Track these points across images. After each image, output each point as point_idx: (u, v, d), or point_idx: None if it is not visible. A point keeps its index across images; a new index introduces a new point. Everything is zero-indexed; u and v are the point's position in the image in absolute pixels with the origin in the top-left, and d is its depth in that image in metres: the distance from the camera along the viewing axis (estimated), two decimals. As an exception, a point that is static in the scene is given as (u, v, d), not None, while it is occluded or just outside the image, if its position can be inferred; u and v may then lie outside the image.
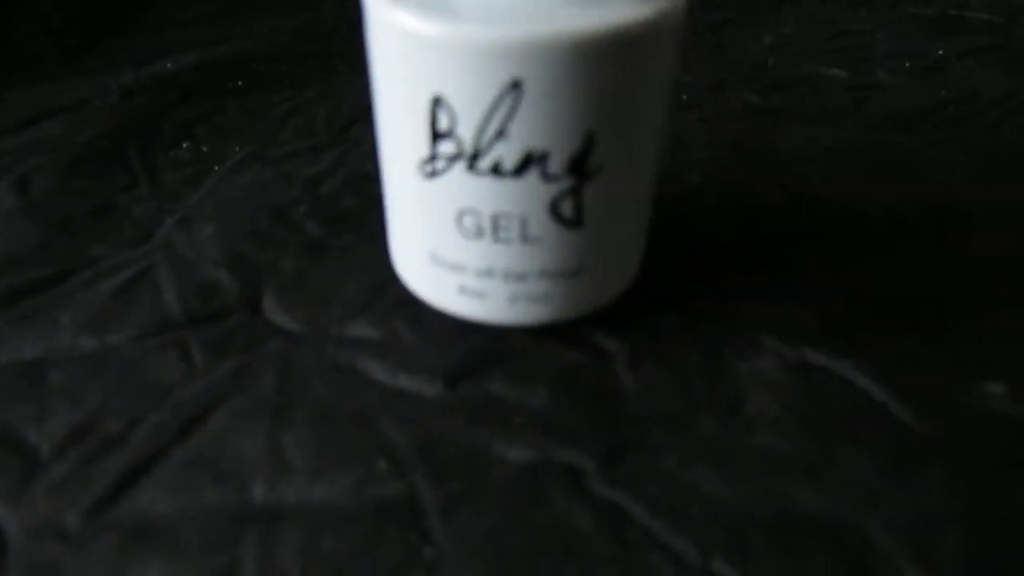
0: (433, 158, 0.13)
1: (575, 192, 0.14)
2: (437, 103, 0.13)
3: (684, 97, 0.27)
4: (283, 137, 0.24)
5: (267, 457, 0.14)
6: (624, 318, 0.17)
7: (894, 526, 0.13)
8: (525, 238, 0.14)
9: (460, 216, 0.14)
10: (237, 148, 0.23)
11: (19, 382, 0.15)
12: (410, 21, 0.12)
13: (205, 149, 0.23)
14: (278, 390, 0.15)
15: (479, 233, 0.14)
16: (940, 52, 0.32)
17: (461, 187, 0.14)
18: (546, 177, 0.13)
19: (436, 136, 0.13)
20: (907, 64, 0.30)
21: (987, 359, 0.16)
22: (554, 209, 0.14)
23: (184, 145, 0.23)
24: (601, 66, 0.12)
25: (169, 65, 0.28)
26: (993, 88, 0.28)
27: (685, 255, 0.18)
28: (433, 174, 0.14)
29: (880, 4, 0.36)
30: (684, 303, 0.17)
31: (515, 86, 0.12)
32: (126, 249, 0.19)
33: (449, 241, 0.14)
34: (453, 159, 0.13)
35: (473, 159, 0.13)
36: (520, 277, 0.15)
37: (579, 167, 0.13)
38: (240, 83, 0.27)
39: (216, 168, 0.22)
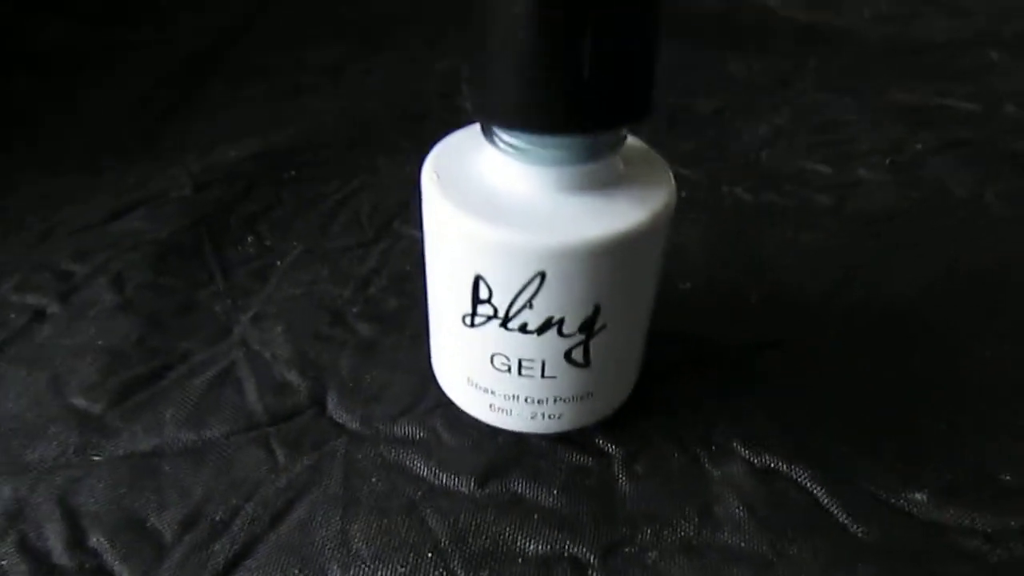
0: (473, 315, 0.17)
1: (584, 344, 0.17)
2: (479, 279, 0.17)
3: (683, 194, 0.31)
4: (334, 231, 0.28)
5: (339, 547, 0.17)
6: (621, 425, 0.20)
7: (825, 616, 0.17)
8: (544, 375, 0.18)
9: (492, 357, 0.18)
10: (295, 243, 0.27)
11: (140, 473, 0.19)
12: (460, 218, 0.16)
13: (268, 243, 0.27)
14: (344, 484, 0.19)
15: (507, 370, 0.18)
16: (918, 147, 0.35)
17: (494, 337, 0.17)
18: (562, 335, 0.17)
19: (477, 300, 0.17)
20: (886, 161, 0.34)
21: (907, 470, 0.20)
22: (568, 356, 0.17)
23: (249, 239, 0.27)
24: (606, 259, 0.16)
25: (232, 153, 0.32)
26: (961, 188, 0.32)
27: (672, 365, 0.22)
28: (472, 325, 0.18)
29: (867, 91, 0.40)
30: (670, 411, 0.21)
31: (541, 276, 0.16)
32: (210, 345, 0.23)
33: (483, 372, 0.18)
34: (489, 318, 0.17)
35: (505, 321, 0.17)
36: (539, 402, 0.18)
37: (588, 328, 0.17)
38: (294, 173, 0.31)
39: (278, 263, 0.26)
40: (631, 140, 0.18)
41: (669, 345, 0.23)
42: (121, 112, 0.36)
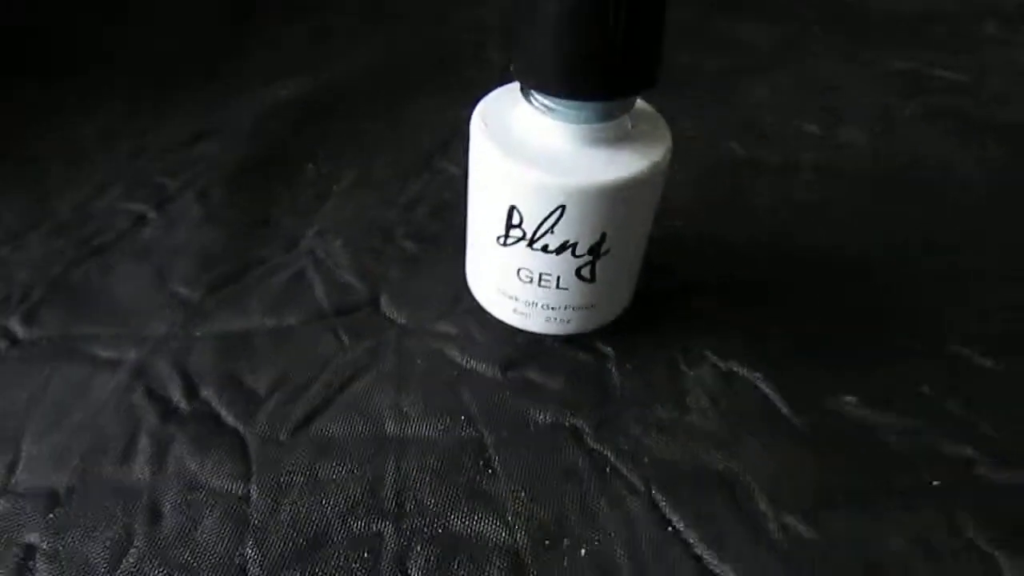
0: (506, 236, 0.22)
1: (592, 264, 0.22)
2: (513, 208, 0.21)
3: (684, 146, 0.35)
4: (379, 163, 0.32)
5: (393, 409, 0.23)
6: (617, 333, 0.25)
7: (767, 478, 0.22)
8: (558, 287, 0.23)
9: (519, 270, 0.23)
10: (347, 171, 0.32)
11: (234, 346, 0.24)
12: (501, 160, 0.21)
13: (323, 171, 0.32)
14: (396, 364, 0.24)
15: (530, 281, 0.23)
16: (905, 112, 0.39)
17: (521, 255, 0.22)
18: (575, 255, 0.22)
19: (509, 225, 0.22)
20: (872, 126, 0.38)
21: (844, 380, 0.25)
22: (578, 272, 0.22)
23: (309, 166, 0.32)
24: (612, 199, 0.21)
25: (283, 92, 0.36)
26: (935, 154, 0.36)
27: (662, 288, 0.27)
28: (504, 244, 0.22)
29: (866, 58, 0.44)
30: (657, 324, 0.26)
31: (562, 208, 0.21)
32: (284, 253, 0.28)
33: (510, 283, 0.23)
34: (518, 240, 0.22)
35: (531, 242, 0.22)
36: (553, 308, 0.23)
37: (595, 251, 0.22)
38: (342, 109, 0.35)
39: (334, 188, 0.31)
40: (640, 103, 0.22)
41: (661, 272, 0.27)
42: (182, 48, 0.40)
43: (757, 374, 0.25)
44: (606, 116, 0.20)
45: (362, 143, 0.33)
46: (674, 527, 0.21)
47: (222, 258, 0.27)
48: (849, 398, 0.24)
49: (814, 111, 0.38)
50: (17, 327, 0.25)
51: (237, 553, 0.19)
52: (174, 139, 0.33)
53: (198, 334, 0.25)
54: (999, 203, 0.33)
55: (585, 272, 0.22)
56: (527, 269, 0.22)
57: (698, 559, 0.20)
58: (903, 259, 0.30)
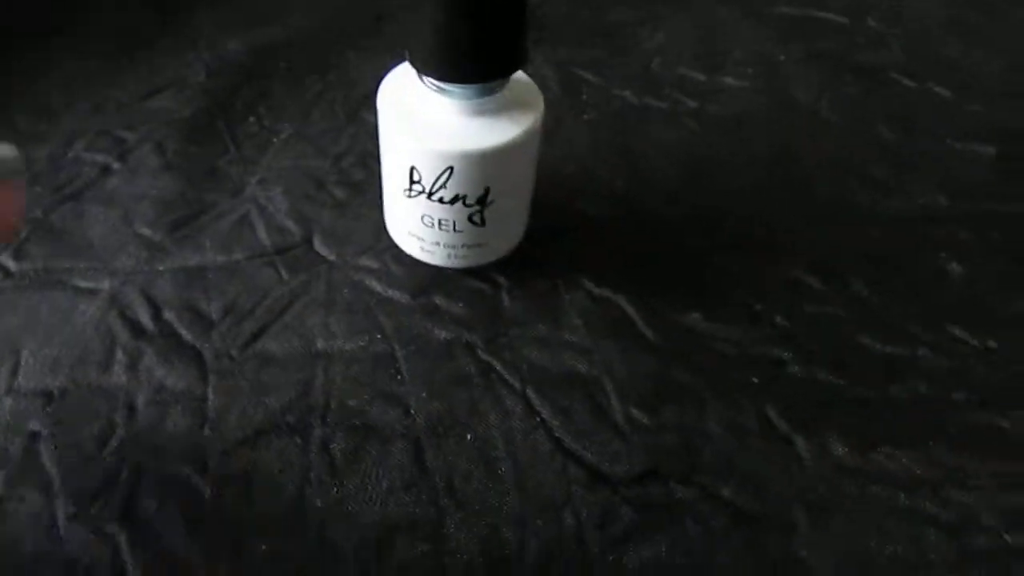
0: (410, 189, 0.27)
1: (480, 211, 0.27)
2: (413, 168, 0.26)
3: (584, 97, 0.40)
4: (315, 116, 0.37)
5: (322, 328, 0.28)
6: (510, 266, 0.31)
7: (620, 379, 0.28)
8: (455, 230, 0.28)
9: (422, 216, 0.28)
10: (286, 124, 0.36)
11: (192, 279, 0.29)
12: (401, 132, 0.26)
13: (265, 124, 0.36)
14: (326, 293, 0.29)
15: (431, 225, 0.28)
16: (781, 58, 0.44)
17: (423, 205, 0.27)
18: (465, 205, 0.27)
19: (411, 181, 0.27)
20: (749, 70, 0.43)
21: (693, 301, 0.31)
22: (470, 218, 0.28)
23: (251, 119, 0.36)
24: (493, 161, 0.26)
25: (230, 46, 0.40)
26: (804, 95, 0.41)
27: (550, 226, 0.32)
28: (409, 196, 0.27)
29: (758, 4, 0.48)
30: (543, 257, 0.31)
31: (450, 169, 0.26)
32: (230, 199, 0.32)
33: (416, 226, 0.28)
34: (419, 193, 0.27)
35: (429, 195, 0.27)
36: (452, 246, 0.29)
37: (482, 201, 0.27)
38: (282, 66, 0.40)
39: (274, 140, 0.35)
40: (519, 74, 0.27)
41: (550, 212, 0.33)
42: (133, 5, 0.43)
43: (621, 297, 0.30)
44: (484, 92, 0.25)
45: (300, 97, 0.38)
46: (542, 418, 0.27)
47: (179, 203, 0.32)
48: (695, 315, 0.30)
49: (702, 58, 0.43)
50: (9, 262, 0.29)
51: (198, 440, 0.25)
52: (131, 95, 0.37)
53: (160, 268, 0.30)
54: (850, 138, 0.38)
55: (476, 218, 0.28)
56: (429, 216, 0.28)
57: (558, 441, 0.26)
58: (763, 194, 0.35)
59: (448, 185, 0.26)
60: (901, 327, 0.31)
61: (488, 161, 0.26)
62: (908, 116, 0.40)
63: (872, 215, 0.35)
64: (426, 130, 0.25)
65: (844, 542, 0.25)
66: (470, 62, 0.24)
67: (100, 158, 0.34)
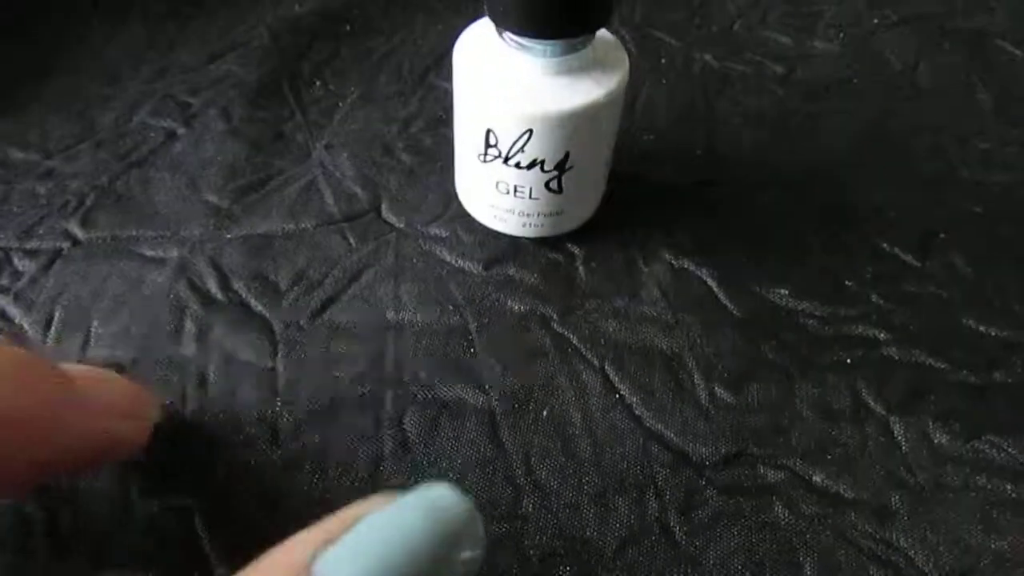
0: (485, 154, 0.26)
1: (558, 178, 0.26)
2: (489, 131, 0.25)
3: (663, 60, 0.38)
4: (381, 80, 0.36)
5: (392, 298, 0.27)
6: (585, 236, 0.29)
7: (703, 355, 0.26)
8: (531, 197, 0.27)
9: (497, 183, 0.27)
10: (352, 88, 0.35)
11: (259, 247, 0.29)
12: (478, 91, 0.24)
13: (331, 88, 0.35)
14: (395, 263, 0.28)
15: (507, 192, 0.27)
16: (875, 21, 0.42)
17: (498, 170, 0.26)
18: (543, 170, 0.26)
19: (487, 145, 0.26)
20: (840, 34, 0.40)
21: (779, 274, 0.29)
22: (547, 185, 0.26)
23: (317, 83, 0.35)
24: (573, 124, 0.24)
25: (297, 8, 0.39)
26: (899, 61, 0.38)
27: (628, 197, 0.31)
28: (484, 161, 0.26)
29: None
30: (620, 228, 0.30)
31: (529, 132, 0.24)
32: (297, 164, 0.32)
33: (490, 193, 0.27)
34: (495, 157, 0.26)
35: (505, 159, 0.26)
36: (527, 215, 0.27)
37: (560, 167, 0.26)
38: (348, 27, 0.38)
39: (339, 104, 0.34)
40: (604, 33, 0.26)
41: (629, 182, 0.31)
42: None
43: (704, 270, 0.29)
44: (567, 50, 0.24)
45: (367, 61, 0.37)
46: (620, 394, 0.25)
47: (245, 169, 0.31)
48: (782, 290, 0.29)
49: (787, 21, 0.41)
50: (77, 230, 0.29)
51: (269, 412, 0.24)
52: (195, 58, 0.36)
53: (228, 236, 0.29)
54: (949, 107, 0.36)
55: (553, 184, 0.26)
56: (504, 182, 0.26)
57: (638, 419, 0.25)
58: (855, 165, 0.33)
59: (526, 149, 0.25)
60: (1006, 307, 0.28)
61: (570, 123, 0.24)
62: (1010, 85, 0.37)
63: (974, 189, 0.32)
64: (505, 90, 0.24)
65: (946, 532, 0.23)
66: (554, 15, 0.22)
67: (165, 123, 0.33)
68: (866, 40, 0.40)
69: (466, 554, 0.14)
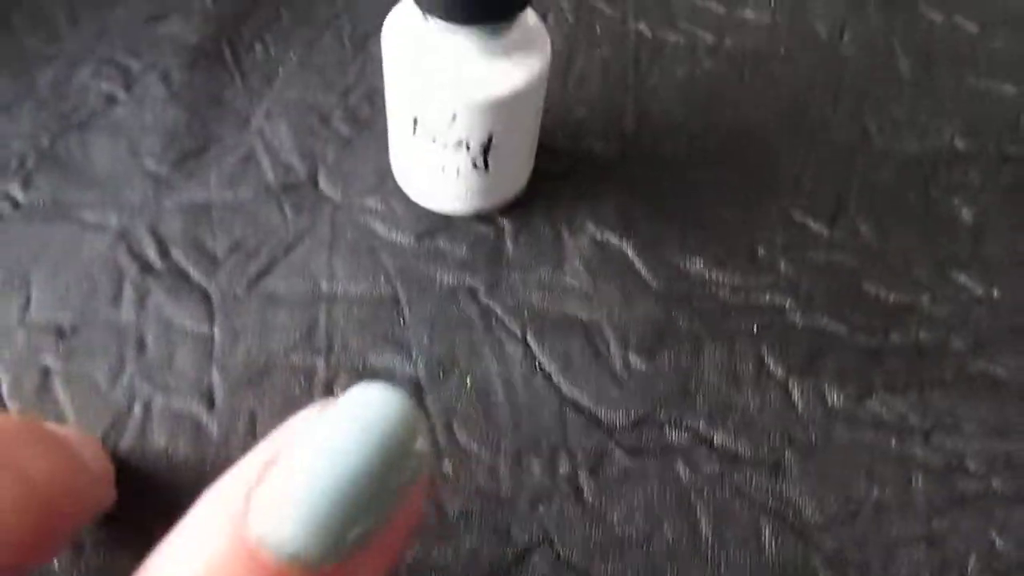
0: (413, 132, 0.27)
1: (484, 157, 0.27)
2: (415, 114, 0.26)
3: (598, 31, 0.39)
4: (321, 46, 0.36)
5: (326, 269, 0.29)
6: (515, 210, 0.31)
7: (619, 325, 0.28)
8: (459, 175, 0.28)
9: (426, 161, 0.28)
10: (292, 55, 0.36)
11: (197, 214, 0.29)
12: (404, 74, 0.25)
13: (271, 53, 0.36)
14: (330, 234, 0.30)
15: (436, 170, 0.28)
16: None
17: (427, 148, 0.27)
18: (469, 151, 0.27)
19: (415, 125, 0.27)
20: (771, 2, 0.41)
21: (696, 245, 0.30)
22: (474, 164, 0.27)
23: (257, 48, 0.36)
24: (495, 109, 0.25)
25: (238, -32, 0.39)
26: (828, 26, 0.39)
27: (557, 171, 0.32)
28: (414, 137, 0.27)
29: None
30: (548, 203, 0.31)
31: (454, 115, 0.25)
32: (236, 132, 0.32)
33: (421, 168, 0.28)
34: (423, 136, 0.27)
35: (433, 140, 0.27)
36: (456, 192, 0.29)
37: (486, 148, 0.27)
38: (290, -11, 0.38)
39: (279, 70, 0.35)
40: (530, 15, 0.26)
41: (558, 153, 0.32)
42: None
43: (625, 242, 0.30)
44: (491, 34, 0.25)
45: (307, 27, 0.37)
46: (540, 363, 0.27)
47: (184, 136, 0.32)
48: (698, 260, 0.30)
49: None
50: (18, 192, 0.30)
51: (205, 377, 0.26)
52: (135, 19, 0.36)
53: (167, 203, 0.30)
54: (871, 75, 0.37)
55: (479, 163, 0.28)
56: (432, 161, 0.28)
57: (556, 387, 0.27)
58: (775, 135, 0.34)
59: (451, 130, 0.26)
60: (906, 273, 0.30)
61: (492, 108, 0.25)
62: (930, 51, 0.39)
63: (885, 156, 0.34)
64: (428, 75, 0.25)
65: (832, 486, 0.26)
66: (475, 3, 0.23)
67: (106, 87, 0.33)
68: (795, 9, 0.41)
69: (418, 449, 0.14)
